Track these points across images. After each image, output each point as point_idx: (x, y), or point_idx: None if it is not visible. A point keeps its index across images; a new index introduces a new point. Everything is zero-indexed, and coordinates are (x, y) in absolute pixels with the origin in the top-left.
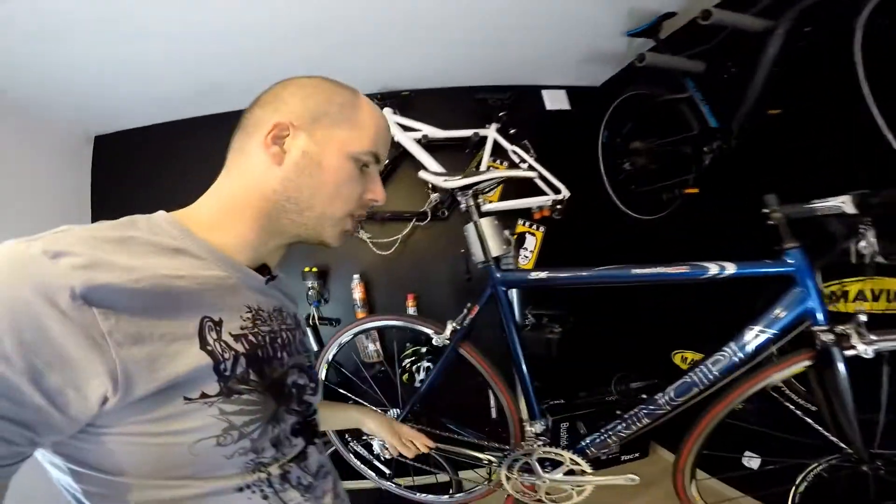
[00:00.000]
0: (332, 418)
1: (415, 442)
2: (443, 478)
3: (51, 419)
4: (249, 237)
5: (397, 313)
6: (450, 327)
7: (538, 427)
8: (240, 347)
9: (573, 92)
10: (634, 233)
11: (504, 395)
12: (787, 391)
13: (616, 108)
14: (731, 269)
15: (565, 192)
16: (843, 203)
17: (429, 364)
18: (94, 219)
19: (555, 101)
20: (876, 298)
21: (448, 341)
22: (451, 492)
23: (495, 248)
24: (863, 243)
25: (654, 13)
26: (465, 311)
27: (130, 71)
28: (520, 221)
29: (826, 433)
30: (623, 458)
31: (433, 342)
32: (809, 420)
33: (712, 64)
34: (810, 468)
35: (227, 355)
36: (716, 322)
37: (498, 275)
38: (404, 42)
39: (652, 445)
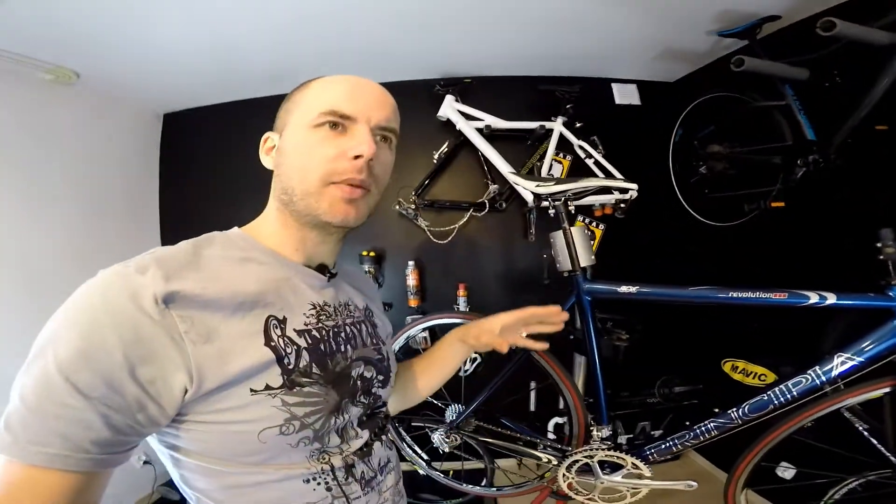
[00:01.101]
0: (448, 359)
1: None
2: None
3: (147, 408)
4: (293, 238)
5: (450, 310)
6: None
7: (605, 432)
8: (302, 342)
9: (644, 87)
10: (701, 238)
11: (574, 398)
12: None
13: (695, 108)
14: (831, 299)
15: (633, 192)
16: None
17: (476, 355)
18: (162, 194)
19: (625, 95)
20: None
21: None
22: (484, 482)
23: (584, 258)
24: None
25: (749, 15)
26: None
27: (201, 50)
28: (579, 217)
29: (886, 452)
30: None
31: None
32: (873, 439)
33: (816, 72)
34: (852, 480)
35: (289, 350)
36: (770, 332)
37: (585, 285)
38: (470, 26)
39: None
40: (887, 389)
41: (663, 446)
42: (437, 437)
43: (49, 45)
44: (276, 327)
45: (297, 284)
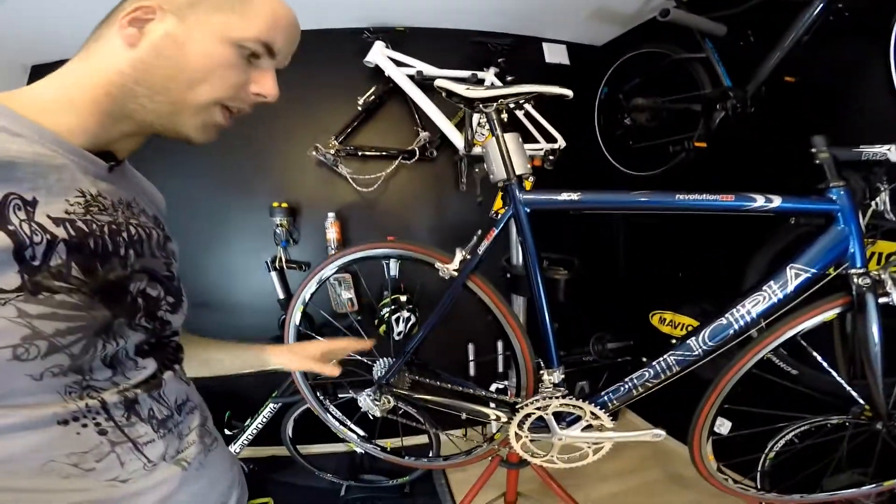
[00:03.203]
0: (226, 360)
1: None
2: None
3: None
4: (87, 120)
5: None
6: (459, 256)
7: (557, 375)
8: (60, 233)
9: (573, 48)
10: (625, 189)
11: (518, 337)
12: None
13: (620, 65)
14: (776, 201)
15: (561, 142)
16: (889, 150)
17: (409, 314)
18: None
19: (555, 54)
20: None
21: (456, 273)
22: (430, 454)
23: (520, 166)
24: (877, 200)
25: None
26: (477, 238)
27: None
28: None
29: (847, 386)
30: None
31: (439, 274)
32: (834, 373)
33: (732, 29)
34: (810, 423)
35: (37, 239)
36: (695, 283)
37: (522, 195)
38: None
39: (622, 410)
40: (839, 309)
41: (623, 389)
42: (364, 400)
43: None
44: (20, 209)
45: (63, 165)
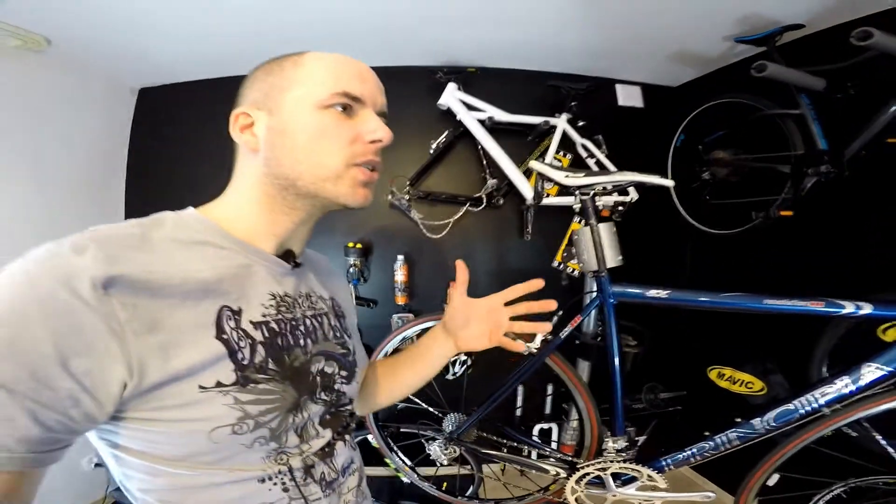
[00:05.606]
0: (425, 364)
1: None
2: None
3: (82, 403)
4: (266, 224)
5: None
6: (540, 335)
7: (620, 443)
8: (258, 336)
9: (648, 90)
10: (697, 245)
11: (588, 409)
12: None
13: (700, 113)
14: (866, 309)
15: (633, 195)
16: None
17: (466, 357)
18: (130, 177)
19: (628, 97)
20: None
21: (535, 350)
22: (470, 490)
23: (611, 258)
24: None
25: (772, 21)
26: (558, 318)
27: (181, 23)
28: (576, 219)
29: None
30: None
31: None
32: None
33: (831, 83)
34: (862, 480)
35: (243, 344)
36: (756, 340)
37: (611, 288)
38: (477, 14)
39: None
40: None
41: (681, 456)
42: (435, 450)
43: (19, 7)
44: (230, 319)
45: (257, 272)
